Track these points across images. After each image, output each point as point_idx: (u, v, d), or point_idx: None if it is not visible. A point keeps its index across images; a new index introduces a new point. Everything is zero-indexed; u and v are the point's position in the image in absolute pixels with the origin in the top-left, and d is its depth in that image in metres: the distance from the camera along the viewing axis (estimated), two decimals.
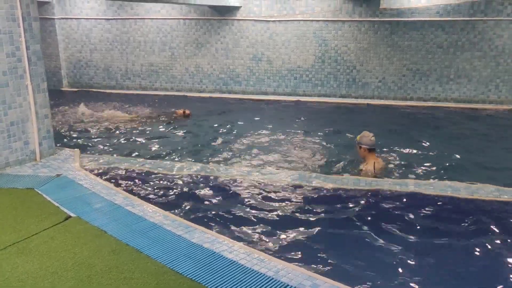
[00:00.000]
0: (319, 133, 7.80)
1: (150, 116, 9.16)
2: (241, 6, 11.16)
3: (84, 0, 12.04)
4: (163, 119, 8.96)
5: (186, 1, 9.57)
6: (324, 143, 7.17)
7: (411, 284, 3.30)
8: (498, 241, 3.95)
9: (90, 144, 7.16)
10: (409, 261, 3.61)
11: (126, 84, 12.57)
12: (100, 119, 8.86)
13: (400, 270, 3.48)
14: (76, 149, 6.44)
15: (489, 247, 3.85)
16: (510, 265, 3.59)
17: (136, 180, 5.38)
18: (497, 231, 4.12)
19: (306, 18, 10.96)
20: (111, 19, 12.11)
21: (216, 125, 8.49)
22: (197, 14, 11.58)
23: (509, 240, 3.97)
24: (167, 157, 6.49)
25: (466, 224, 4.24)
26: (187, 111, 9.11)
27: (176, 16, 11.69)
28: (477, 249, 3.81)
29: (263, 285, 3.04)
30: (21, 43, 5.40)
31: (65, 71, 12.79)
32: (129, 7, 11.90)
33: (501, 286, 3.30)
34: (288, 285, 3.04)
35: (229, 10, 11.27)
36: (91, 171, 5.56)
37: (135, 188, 5.12)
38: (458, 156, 6.53)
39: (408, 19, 10.48)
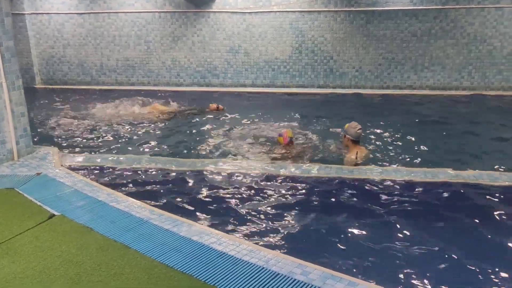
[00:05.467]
0: (307, 123, 7.90)
1: (181, 111, 9.02)
2: None
3: None
4: (193, 113, 8.86)
5: None
6: (307, 132, 7.25)
7: (398, 268, 3.39)
8: (481, 222, 4.09)
9: (81, 142, 7.03)
10: (394, 246, 3.70)
11: (101, 79, 12.34)
12: (125, 116, 8.70)
13: (386, 255, 3.56)
14: (54, 147, 6.32)
15: (473, 227, 3.99)
16: (498, 246, 3.71)
17: (118, 176, 5.32)
18: (480, 212, 4.26)
19: (282, 9, 10.97)
20: (83, 13, 11.84)
21: (211, 118, 8.48)
22: (172, 7, 11.44)
23: (490, 220, 4.11)
24: (152, 152, 6.43)
25: (448, 207, 4.37)
26: (221, 106, 9.02)
27: (151, 9, 11.53)
28: (461, 230, 3.94)
29: (254, 274, 3.07)
30: None
31: (38, 67, 12.46)
32: (102, 1, 11.65)
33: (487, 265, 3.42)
34: (278, 273, 3.08)
35: (205, 2, 11.18)
36: (71, 168, 5.47)
37: (117, 185, 5.06)
38: (437, 143, 6.71)
39: (382, 8, 10.62)
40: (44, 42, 12.26)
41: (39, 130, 7.66)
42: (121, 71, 12.21)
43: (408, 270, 3.35)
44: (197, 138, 7.16)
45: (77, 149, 6.60)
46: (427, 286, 3.16)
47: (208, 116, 8.63)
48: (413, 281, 3.22)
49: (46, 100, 10.35)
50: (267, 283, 2.96)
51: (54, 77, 12.54)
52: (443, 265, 3.42)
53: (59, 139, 7.19)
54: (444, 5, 10.43)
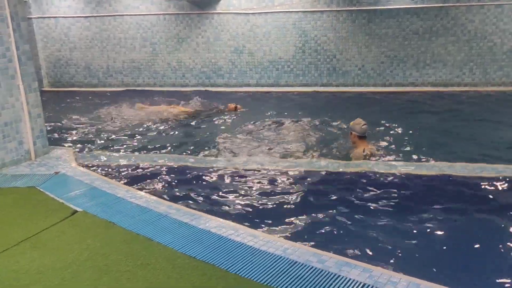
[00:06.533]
0: (311, 120, 8.08)
1: (198, 111, 9.17)
2: (220, 0, 11.26)
3: None
4: (212, 113, 9.03)
5: None
6: (316, 129, 7.42)
7: (409, 255, 3.56)
8: (482, 214, 4.25)
9: (95, 141, 7.21)
10: (401, 236, 3.86)
11: (108, 81, 12.54)
12: (151, 115, 8.89)
13: (393, 243, 3.73)
14: (69, 147, 6.51)
15: (474, 219, 4.15)
16: (493, 238, 3.88)
17: (133, 174, 5.49)
18: (482, 205, 4.42)
19: (285, 9, 11.15)
20: (89, 16, 12.03)
21: (229, 118, 8.65)
22: (176, 9, 11.62)
23: (491, 212, 4.28)
24: (166, 150, 6.61)
25: (452, 200, 4.53)
26: (239, 106, 9.16)
27: (156, 12, 11.71)
28: (461, 223, 4.11)
29: (272, 263, 3.23)
30: (11, 43, 5.42)
31: (45, 70, 12.65)
32: (107, 4, 11.84)
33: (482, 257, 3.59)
34: (296, 261, 3.25)
35: (209, 4, 11.36)
36: (87, 167, 5.64)
37: (133, 182, 5.22)
38: (443, 137, 6.89)
39: (384, 7, 10.79)
40: (51, 46, 12.45)
41: (51, 131, 7.83)
42: (127, 73, 12.39)
43: (417, 256, 3.52)
44: (212, 137, 7.31)
45: (91, 148, 6.77)
46: (439, 272, 3.32)
47: (226, 115, 8.79)
48: (424, 268, 3.38)
49: (55, 102, 10.53)
50: (286, 270, 3.13)
51: (61, 79, 12.74)
52: (457, 253, 3.59)
53: (72, 139, 7.36)
54: (445, 3, 10.60)
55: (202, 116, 8.81)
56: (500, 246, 3.68)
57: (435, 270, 3.34)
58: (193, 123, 8.27)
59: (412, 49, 11.04)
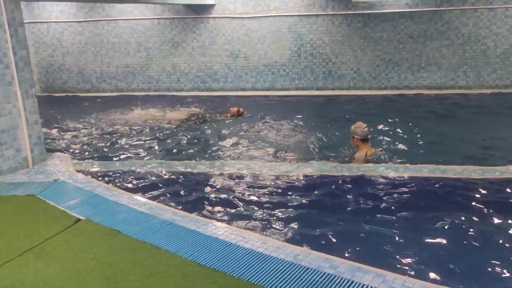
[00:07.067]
0: (312, 124, 8.05)
1: (199, 116, 9.09)
2: (215, 4, 11.23)
3: (53, 3, 11.79)
4: (215, 118, 8.95)
5: (163, 0, 9.55)
6: (318, 133, 7.41)
7: (418, 262, 3.54)
8: (484, 215, 4.26)
9: (91, 148, 7.12)
10: (413, 240, 3.84)
11: (102, 86, 12.41)
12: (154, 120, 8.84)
13: (405, 247, 3.70)
14: (66, 153, 6.41)
15: (475, 221, 4.16)
16: (494, 237, 3.88)
17: (134, 180, 5.41)
18: (483, 207, 4.42)
19: (281, 13, 11.15)
20: (82, 21, 11.92)
21: (231, 122, 8.58)
22: (171, 13, 11.57)
23: (492, 213, 4.28)
24: (166, 156, 6.54)
25: (453, 202, 4.53)
26: (241, 110, 9.06)
27: (150, 16, 11.64)
28: (470, 225, 4.10)
29: (284, 269, 3.18)
30: (8, 49, 5.32)
31: (37, 76, 12.49)
32: (101, 9, 11.74)
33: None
34: (308, 268, 3.20)
35: (204, 8, 11.32)
36: (86, 174, 5.55)
37: (135, 188, 5.15)
38: (442, 140, 6.91)
39: (379, 11, 10.83)
40: (43, 51, 12.31)
41: (47, 137, 7.71)
42: (121, 77, 12.29)
43: (430, 260, 3.50)
44: (216, 142, 7.26)
45: (89, 155, 6.68)
46: (452, 276, 3.30)
47: (229, 120, 8.74)
48: (437, 272, 3.35)
49: (47, 108, 10.36)
50: (299, 276, 3.08)
51: (54, 85, 12.59)
52: (465, 257, 3.57)
53: (68, 145, 7.26)
54: (439, 7, 10.68)
55: (203, 121, 8.74)
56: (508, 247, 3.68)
57: (448, 274, 3.32)
58: (195, 129, 8.20)
59: (407, 53, 11.09)
